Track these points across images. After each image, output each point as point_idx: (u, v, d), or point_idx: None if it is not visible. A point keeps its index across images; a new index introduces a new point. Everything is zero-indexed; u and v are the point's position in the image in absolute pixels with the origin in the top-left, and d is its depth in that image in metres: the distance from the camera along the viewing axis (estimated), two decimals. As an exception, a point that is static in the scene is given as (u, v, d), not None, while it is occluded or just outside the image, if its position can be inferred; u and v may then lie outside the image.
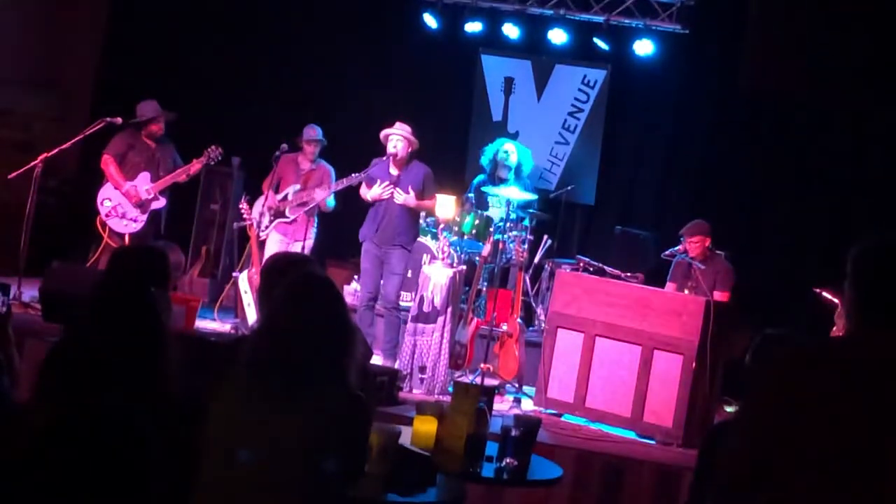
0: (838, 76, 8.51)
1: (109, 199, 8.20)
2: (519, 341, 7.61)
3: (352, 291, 8.78)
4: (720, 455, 2.57)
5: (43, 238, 8.55)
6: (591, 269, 8.06)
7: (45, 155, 8.04)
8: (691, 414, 6.54)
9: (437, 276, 7.36)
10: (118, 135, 8.31)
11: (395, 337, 7.71)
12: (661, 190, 9.72)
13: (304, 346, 2.94)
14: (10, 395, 3.32)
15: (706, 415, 6.62)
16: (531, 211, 8.64)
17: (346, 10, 10.13)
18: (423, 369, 7.29)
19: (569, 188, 9.38)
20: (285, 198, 8.13)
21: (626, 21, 9.50)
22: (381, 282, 7.79)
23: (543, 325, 7.91)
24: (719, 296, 7.26)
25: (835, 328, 6.40)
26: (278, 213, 8.12)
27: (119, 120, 8.19)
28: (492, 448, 3.94)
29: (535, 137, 9.77)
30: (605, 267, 8.04)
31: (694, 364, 6.52)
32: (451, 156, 9.79)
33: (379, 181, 7.70)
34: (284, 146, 8.07)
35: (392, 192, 7.68)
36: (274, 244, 8.06)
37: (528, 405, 7.19)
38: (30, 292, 7.74)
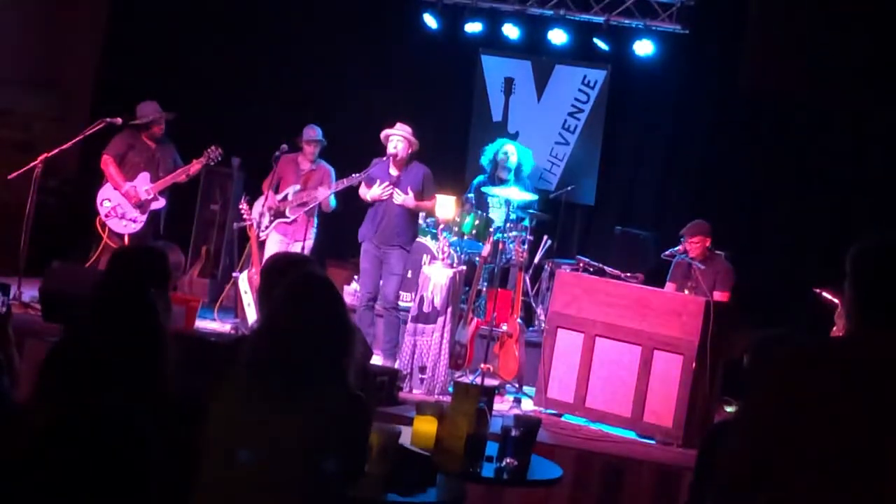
0: (838, 76, 8.51)
1: (109, 200, 8.20)
2: (519, 341, 7.61)
3: (352, 291, 8.78)
4: (720, 455, 2.57)
5: (43, 238, 8.55)
6: (591, 269, 8.06)
7: (45, 155, 8.04)
8: (691, 414, 6.54)
9: (437, 276, 7.36)
10: (118, 135, 8.30)
11: (394, 337, 7.71)
12: (661, 190, 9.72)
13: (304, 346, 2.94)
14: (10, 395, 3.32)
15: (706, 415, 6.62)
16: (531, 211, 8.64)
17: (346, 10, 10.12)
18: (423, 369, 7.29)
19: (569, 188, 9.38)
20: (285, 198, 8.13)
21: (626, 21, 9.49)
22: (381, 282, 7.79)
23: (543, 325, 7.91)
24: (719, 296, 7.26)
25: (835, 328, 6.40)
26: (278, 214, 8.12)
27: (119, 120, 8.19)
28: (492, 448, 3.94)
29: (535, 138, 9.77)
30: (605, 267, 8.04)
31: (694, 364, 6.52)
32: (451, 156, 9.79)
33: (379, 181, 7.71)
34: (284, 146, 8.06)
35: (391, 193, 7.68)
36: (274, 244, 8.06)
37: (528, 405, 7.19)
38: (30, 292, 7.74)
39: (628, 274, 7.96)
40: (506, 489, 5.64)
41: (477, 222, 7.81)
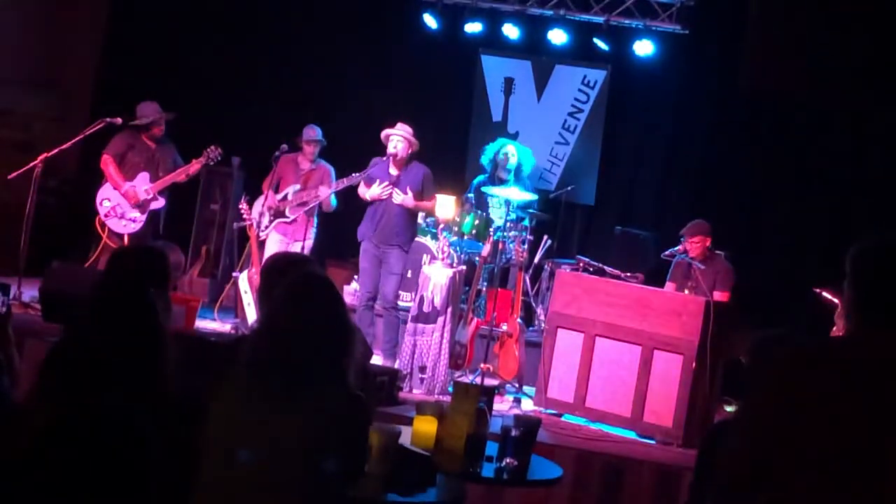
0: (838, 76, 8.51)
1: (108, 200, 8.20)
2: (519, 341, 7.61)
3: (352, 291, 8.78)
4: (720, 455, 2.57)
5: (43, 238, 8.55)
6: (591, 269, 8.06)
7: (45, 155, 8.03)
8: (691, 414, 6.54)
9: (437, 276, 7.36)
10: (118, 135, 8.30)
11: (394, 337, 7.71)
12: (661, 190, 9.72)
13: (304, 346, 2.94)
14: (10, 395, 3.32)
15: (706, 415, 6.62)
16: (531, 211, 8.64)
17: (346, 10, 10.13)
18: (423, 369, 7.29)
19: (569, 188, 9.38)
20: (285, 197, 8.13)
21: (626, 21, 9.50)
22: (380, 282, 7.79)
23: (543, 325, 7.91)
24: (719, 296, 7.26)
25: (835, 328, 6.40)
26: (278, 213, 8.12)
27: (119, 120, 8.19)
28: (492, 448, 3.94)
29: (535, 138, 9.77)
30: (605, 267, 8.04)
31: (694, 364, 6.52)
32: (451, 156, 9.79)
33: (378, 181, 7.71)
34: (284, 146, 8.07)
35: (391, 192, 7.68)
36: (274, 244, 8.06)
37: (528, 405, 7.19)
38: (30, 292, 7.74)
39: (628, 274, 7.96)
40: (506, 489, 5.64)
41: (477, 222, 7.82)
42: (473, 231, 7.78)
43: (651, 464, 6.11)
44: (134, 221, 8.19)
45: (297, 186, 8.15)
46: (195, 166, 8.24)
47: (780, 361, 2.46)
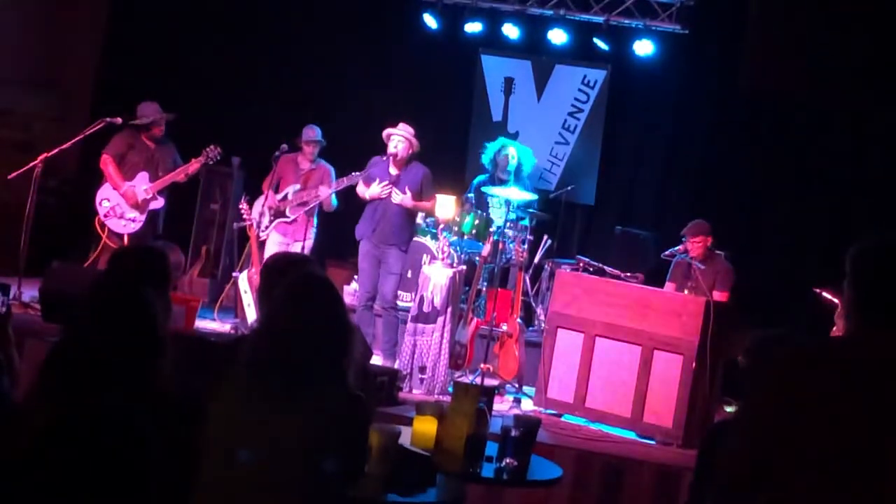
0: (838, 76, 8.51)
1: (108, 200, 8.20)
2: (519, 341, 7.61)
3: (351, 291, 8.78)
4: (720, 455, 2.57)
5: (43, 238, 8.55)
6: (591, 269, 8.06)
7: (45, 155, 8.03)
8: (691, 414, 6.53)
9: (436, 276, 7.36)
10: (118, 135, 8.30)
11: (393, 337, 7.71)
12: (661, 190, 9.72)
13: (304, 346, 2.94)
14: (10, 395, 3.32)
15: (706, 415, 6.62)
16: (531, 211, 8.64)
17: (346, 10, 10.12)
18: (423, 369, 7.29)
19: (569, 188, 9.38)
20: (285, 197, 8.13)
21: (626, 21, 9.50)
22: (379, 281, 7.79)
23: (543, 325, 7.91)
24: (719, 296, 7.26)
25: (835, 328, 6.40)
26: (278, 213, 8.12)
27: (119, 120, 8.19)
28: (492, 448, 3.94)
29: (535, 137, 9.77)
30: (605, 267, 8.04)
31: (694, 364, 6.52)
32: (451, 156, 9.79)
33: (378, 180, 7.71)
34: (284, 146, 8.07)
35: (390, 192, 7.68)
36: (274, 244, 8.06)
37: (527, 405, 7.19)
38: (30, 292, 7.74)
39: (628, 274, 7.96)
40: (506, 489, 5.64)
41: (477, 222, 7.81)
42: (473, 231, 7.78)
43: (651, 464, 6.11)
44: (133, 221, 8.19)
45: (297, 186, 8.15)
46: (194, 165, 8.23)
47: (780, 361, 2.46)
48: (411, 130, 7.77)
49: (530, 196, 8.31)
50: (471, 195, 8.36)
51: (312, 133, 8.22)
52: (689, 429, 6.49)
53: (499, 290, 7.92)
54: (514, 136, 9.73)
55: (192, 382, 2.96)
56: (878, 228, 5.26)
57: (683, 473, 5.81)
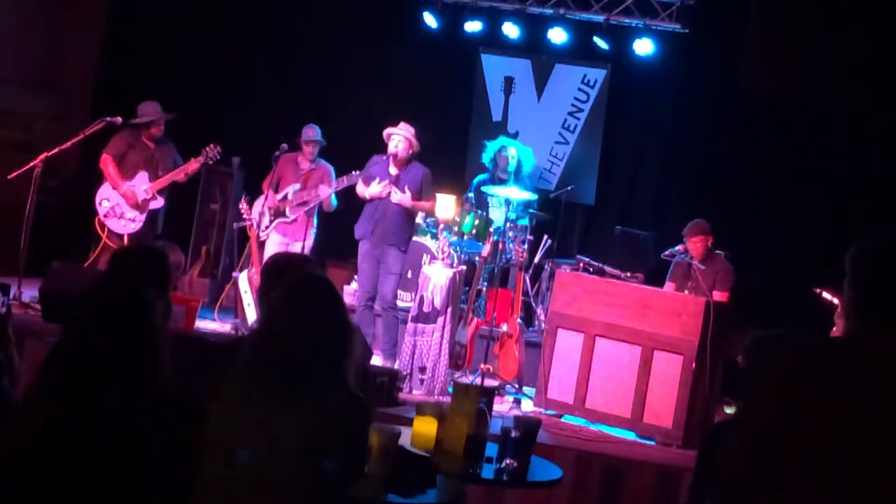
0: (838, 76, 8.51)
1: (108, 200, 8.20)
2: (519, 342, 7.61)
3: (351, 291, 8.77)
4: (720, 455, 2.57)
5: (43, 238, 8.55)
6: (591, 269, 8.05)
7: (45, 155, 8.03)
8: (691, 414, 6.53)
9: (436, 276, 7.36)
10: (118, 134, 8.30)
11: (393, 337, 7.71)
12: (661, 190, 9.72)
13: (304, 346, 2.94)
14: (10, 395, 3.32)
15: (706, 415, 6.62)
16: (531, 211, 8.64)
17: (346, 10, 10.13)
18: (423, 370, 7.29)
19: (569, 188, 9.38)
20: (285, 197, 8.13)
21: (626, 20, 9.50)
22: (378, 281, 7.78)
23: (543, 325, 7.91)
24: (719, 296, 7.26)
25: (835, 328, 6.39)
26: (278, 213, 8.12)
27: (119, 120, 8.19)
28: (492, 449, 3.93)
29: (535, 137, 9.77)
30: (605, 267, 8.03)
31: (694, 364, 6.51)
32: (451, 156, 9.79)
33: (378, 179, 7.70)
34: (284, 146, 8.07)
35: (390, 191, 7.67)
36: (274, 244, 8.06)
37: (527, 406, 7.19)
38: (30, 292, 7.74)
39: (628, 274, 7.96)
40: (506, 490, 5.64)
41: (477, 222, 7.81)
42: (473, 231, 7.78)
43: (651, 465, 6.11)
44: (133, 221, 8.19)
45: (297, 186, 8.15)
46: (194, 165, 8.23)
47: (780, 361, 2.46)
48: (412, 130, 7.76)
49: (530, 196, 8.31)
50: (471, 195, 8.36)
51: (312, 133, 8.22)
52: (689, 429, 6.49)
53: (499, 290, 7.93)
54: (514, 136, 9.72)
55: (192, 382, 2.96)
56: (878, 228, 5.24)
57: (683, 474, 5.81)
